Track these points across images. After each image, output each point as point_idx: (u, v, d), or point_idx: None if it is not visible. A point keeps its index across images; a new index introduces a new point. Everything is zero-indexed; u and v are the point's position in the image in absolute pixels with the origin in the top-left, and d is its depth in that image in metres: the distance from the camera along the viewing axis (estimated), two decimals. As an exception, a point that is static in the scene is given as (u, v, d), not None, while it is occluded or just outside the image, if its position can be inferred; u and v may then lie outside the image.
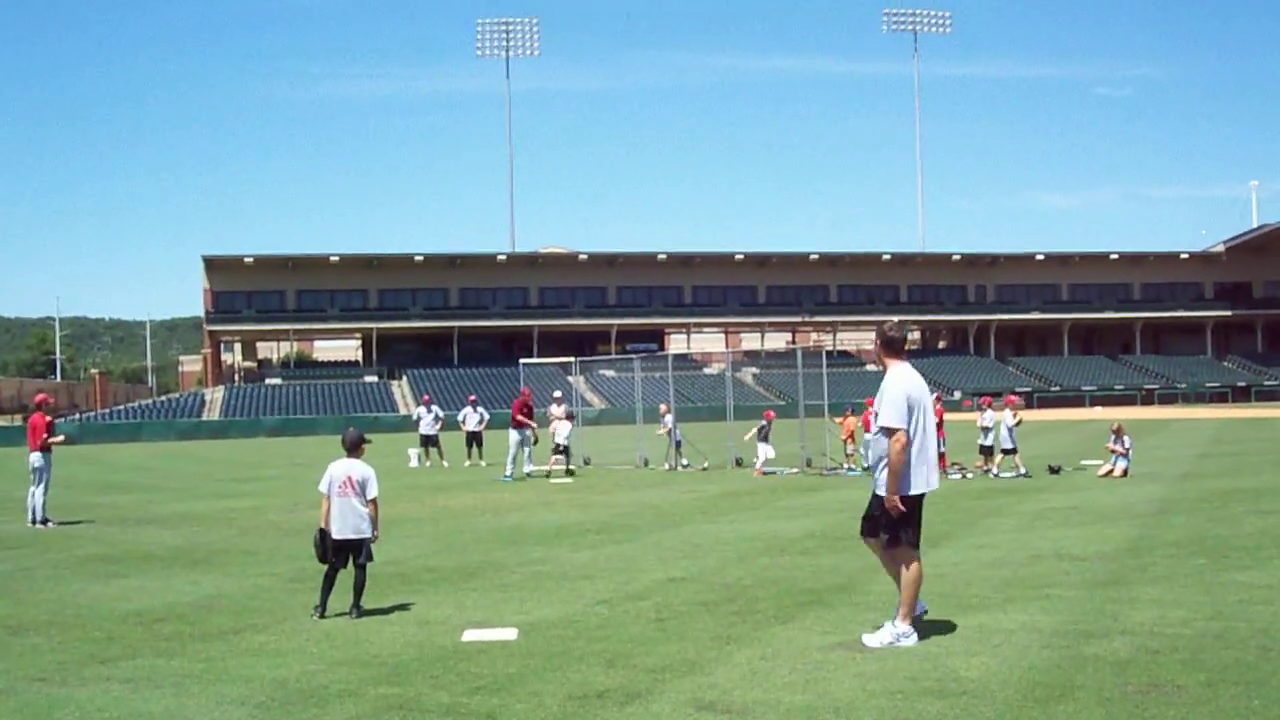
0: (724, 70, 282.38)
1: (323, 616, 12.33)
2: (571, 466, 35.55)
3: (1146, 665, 9.33)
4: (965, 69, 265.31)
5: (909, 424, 10.48)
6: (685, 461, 36.60)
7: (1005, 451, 30.70)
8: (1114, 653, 9.79)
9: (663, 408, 38.29)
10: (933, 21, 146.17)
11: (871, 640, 10.39)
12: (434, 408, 44.26)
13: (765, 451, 33.21)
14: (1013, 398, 34.27)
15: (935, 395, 35.26)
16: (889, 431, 10.46)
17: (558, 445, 34.95)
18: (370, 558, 12.70)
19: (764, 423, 34.01)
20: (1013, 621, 11.20)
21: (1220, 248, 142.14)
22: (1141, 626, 10.73)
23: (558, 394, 41.64)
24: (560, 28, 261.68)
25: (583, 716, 8.36)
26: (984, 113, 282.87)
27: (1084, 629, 10.75)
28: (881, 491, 10.60)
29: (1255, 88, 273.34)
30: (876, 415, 10.70)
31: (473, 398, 45.46)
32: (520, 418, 35.29)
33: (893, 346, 11.01)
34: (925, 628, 10.92)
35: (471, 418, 42.60)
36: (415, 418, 45.30)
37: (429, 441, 42.77)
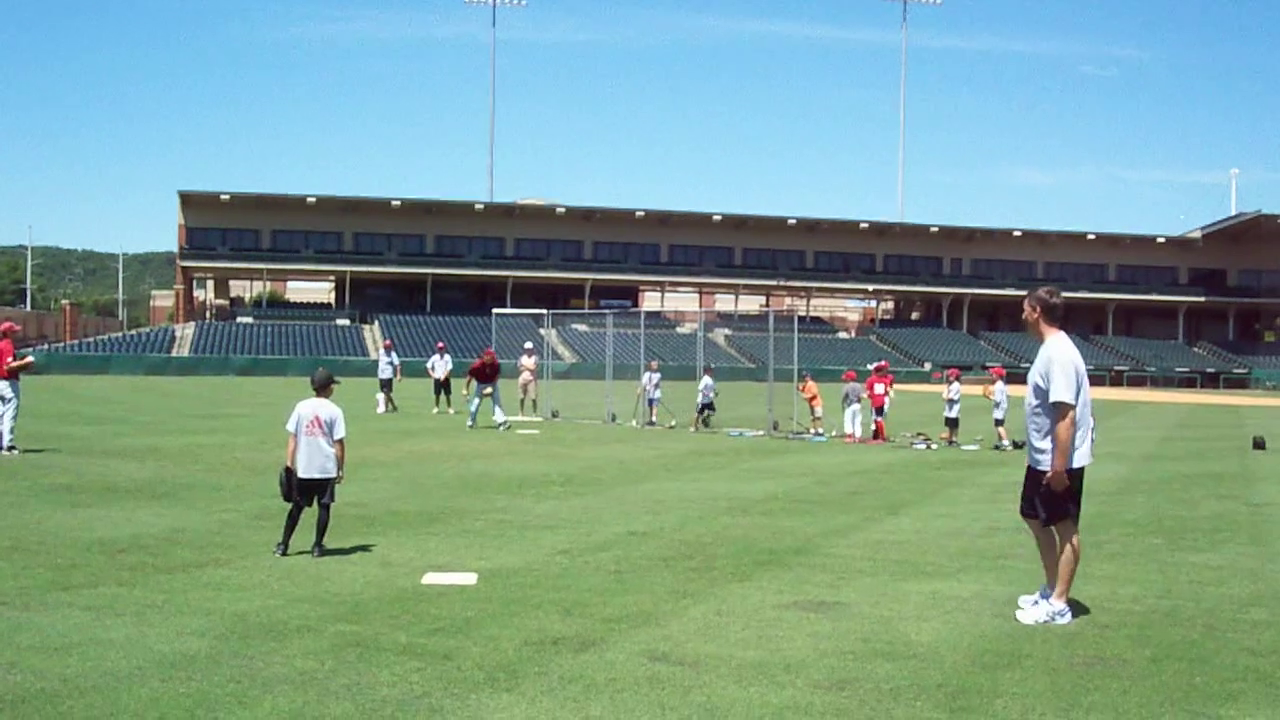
0: (711, 30, 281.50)
1: (285, 554, 12.42)
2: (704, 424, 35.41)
3: (1094, 639, 9.48)
4: (954, 41, 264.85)
5: (1076, 397, 10.15)
6: (653, 419, 36.68)
7: (999, 422, 30.87)
8: (1064, 625, 9.93)
9: (653, 364, 38.18)
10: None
11: (1025, 617, 10.17)
12: (392, 353, 43.84)
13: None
14: (1000, 369, 34.33)
15: (881, 364, 35.58)
16: (1060, 405, 10.09)
17: (702, 405, 34.88)
18: (334, 498, 12.78)
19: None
20: (966, 590, 11.35)
21: (1197, 234, 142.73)
22: (1093, 601, 10.86)
23: (529, 345, 41.81)
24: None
25: (538, 661, 8.47)
26: (970, 86, 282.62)
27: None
28: (1044, 467, 10.27)
29: (1240, 76, 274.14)
30: (1040, 386, 10.31)
31: (441, 345, 45.26)
32: (476, 374, 35.21)
33: (1053, 314, 10.53)
34: (881, 592, 11.10)
35: (440, 365, 42.48)
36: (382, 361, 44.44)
37: (386, 386, 42.55)
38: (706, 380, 34.88)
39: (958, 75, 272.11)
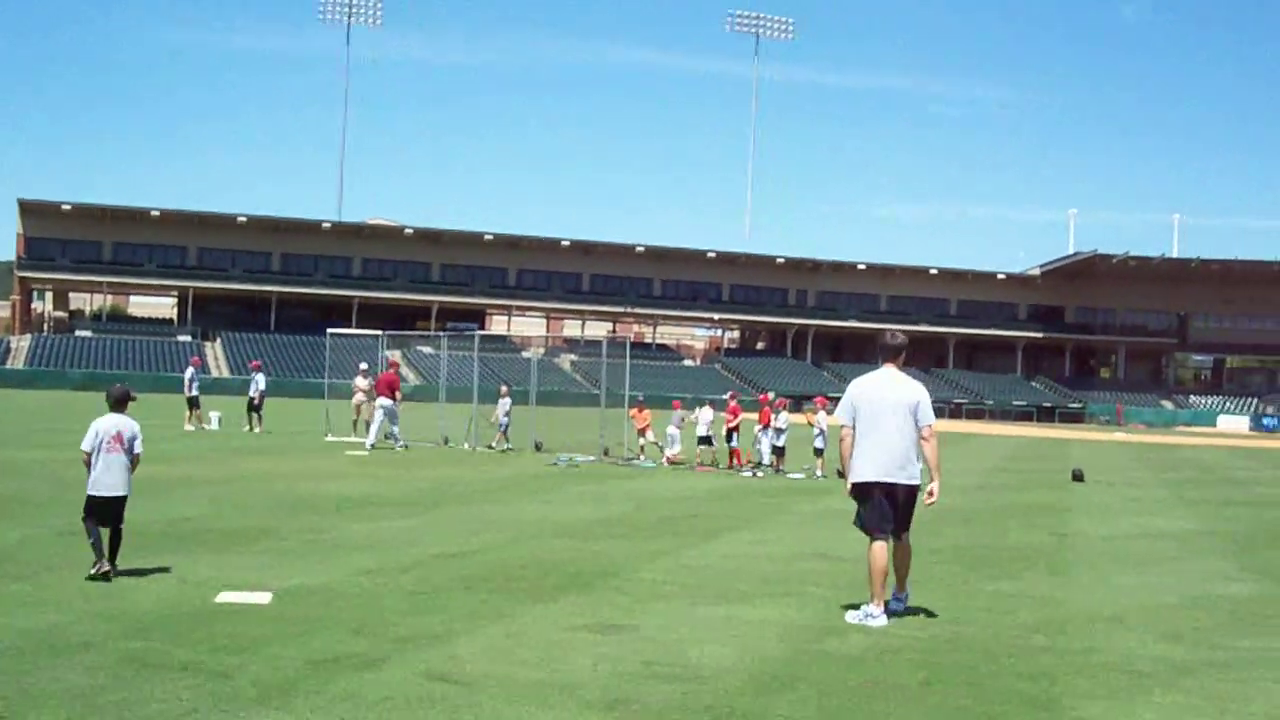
0: (565, 55, 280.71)
1: (114, 571, 12.09)
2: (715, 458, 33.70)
3: (874, 663, 9.68)
4: (805, 75, 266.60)
5: (852, 420, 11.79)
6: (510, 445, 36.46)
7: (818, 451, 31.31)
8: (848, 649, 10.14)
9: (503, 389, 38.21)
10: (775, 26, 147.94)
11: (850, 616, 11.40)
12: (199, 370, 43.30)
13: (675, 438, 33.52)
14: (823, 399, 34.78)
15: (730, 393, 35.93)
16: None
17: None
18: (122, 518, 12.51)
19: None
20: (760, 614, 11.52)
21: (1036, 271, 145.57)
22: (881, 627, 11.09)
23: (363, 366, 41.53)
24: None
25: (315, 680, 8.47)
26: (820, 120, 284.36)
27: (826, 625, 11.10)
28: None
29: (1080, 120, 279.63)
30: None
31: (256, 363, 44.97)
32: (386, 392, 35.31)
33: (884, 352, 12.15)
34: (675, 616, 11.23)
35: (253, 384, 42.04)
36: (189, 378, 42.64)
37: (194, 403, 41.64)
38: (710, 414, 34.05)
39: (809, 109, 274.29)
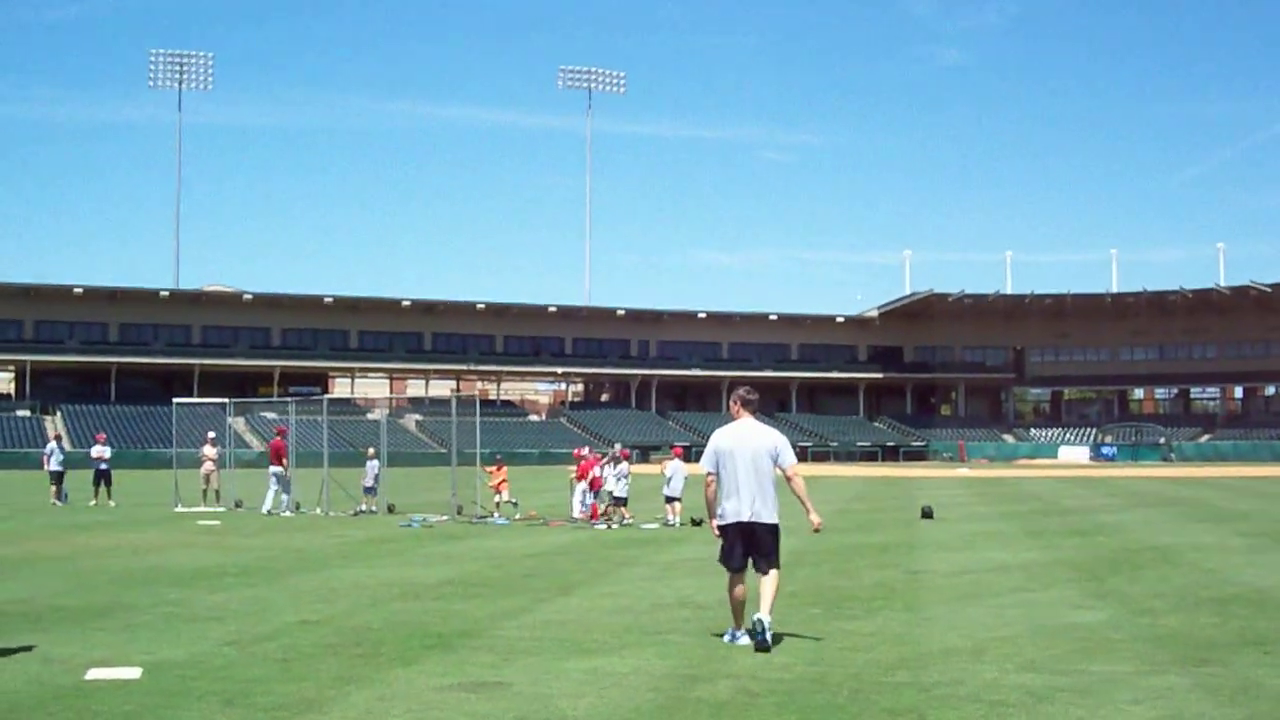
0: (400, 115, 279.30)
1: None
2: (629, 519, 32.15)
3: (743, 707, 9.85)
4: (638, 128, 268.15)
5: (715, 468, 12.86)
6: (364, 508, 36.19)
7: (670, 499, 31.44)
8: (715, 695, 10.29)
9: (370, 451, 38.15)
10: (608, 80, 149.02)
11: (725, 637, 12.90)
12: (59, 444, 43.33)
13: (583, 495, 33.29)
14: (678, 449, 35.08)
15: (585, 447, 36.13)
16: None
17: (615, 496, 32.33)
18: None
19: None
20: (626, 665, 11.65)
21: (874, 313, 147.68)
22: (746, 671, 11.28)
23: (211, 434, 41.15)
24: (236, 63, 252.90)
25: (192, 753, 8.47)
26: (655, 171, 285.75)
27: (692, 673, 11.25)
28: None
29: (911, 162, 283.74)
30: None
31: (101, 435, 44.59)
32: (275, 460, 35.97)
33: (744, 405, 13.24)
34: (543, 671, 11.34)
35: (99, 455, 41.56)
36: (48, 452, 43.13)
37: (58, 478, 41.36)
38: (625, 467, 33.08)
39: (643, 160, 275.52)
